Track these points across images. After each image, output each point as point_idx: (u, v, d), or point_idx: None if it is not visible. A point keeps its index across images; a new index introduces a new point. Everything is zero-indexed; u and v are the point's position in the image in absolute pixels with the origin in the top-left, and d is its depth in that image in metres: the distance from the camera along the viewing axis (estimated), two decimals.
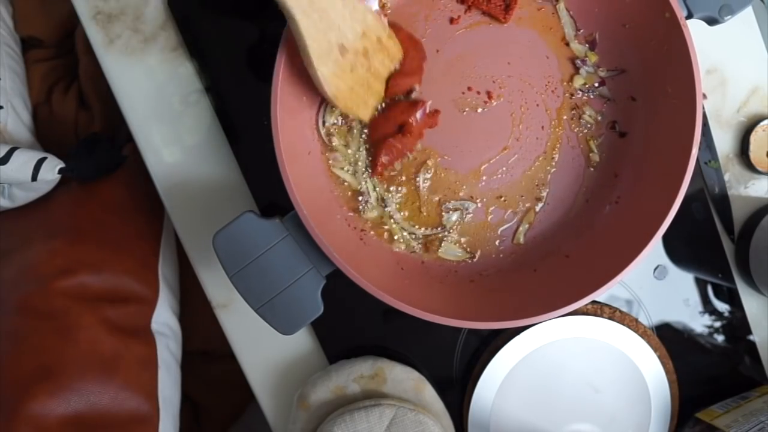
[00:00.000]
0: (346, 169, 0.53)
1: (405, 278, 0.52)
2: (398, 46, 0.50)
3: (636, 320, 0.60)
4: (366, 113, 0.50)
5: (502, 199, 0.55)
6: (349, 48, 0.45)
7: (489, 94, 0.54)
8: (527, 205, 0.55)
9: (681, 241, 0.60)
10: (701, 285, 0.62)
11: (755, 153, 0.60)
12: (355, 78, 0.47)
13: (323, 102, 0.52)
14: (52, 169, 0.60)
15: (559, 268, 0.54)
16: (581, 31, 0.54)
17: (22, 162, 0.59)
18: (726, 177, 0.61)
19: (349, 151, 0.53)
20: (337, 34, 0.44)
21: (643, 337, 0.58)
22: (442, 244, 0.54)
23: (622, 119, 0.55)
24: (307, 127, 0.52)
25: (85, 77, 0.77)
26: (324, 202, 0.52)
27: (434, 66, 0.53)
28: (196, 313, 0.72)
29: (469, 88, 0.54)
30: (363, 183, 0.53)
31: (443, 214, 0.54)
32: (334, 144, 0.53)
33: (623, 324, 0.58)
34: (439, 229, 0.54)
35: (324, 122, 0.52)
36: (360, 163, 0.53)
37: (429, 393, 0.57)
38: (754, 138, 0.60)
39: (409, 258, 0.54)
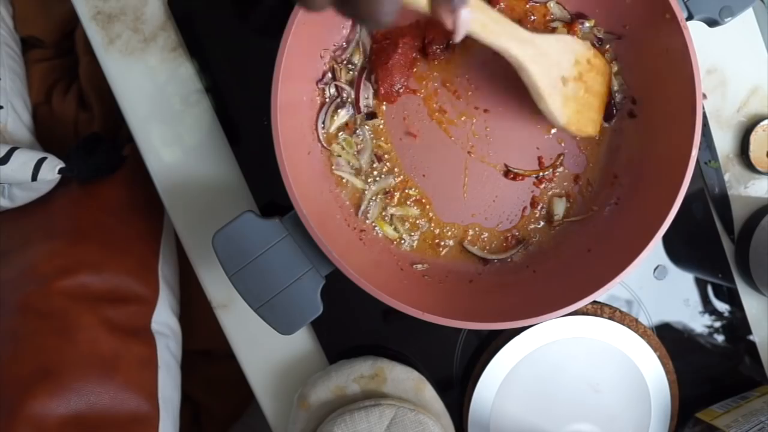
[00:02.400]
0: (348, 171, 0.54)
1: (404, 278, 0.52)
2: (603, 60, 0.53)
3: (636, 320, 0.60)
4: (594, 129, 0.53)
5: (500, 198, 0.55)
6: (568, 77, 0.50)
7: (486, 111, 0.54)
8: (527, 205, 0.55)
9: (681, 241, 0.60)
10: (701, 285, 0.62)
11: (755, 153, 0.60)
12: (578, 101, 0.51)
13: (323, 106, 0.52)
14: (52, 169, 0.60)
15: (559, 268, 0.54)
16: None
17: (22, 162, 0.59)
18: (726, 177, 0.61)
19: (352, 155, 0.53)
20: (557, 69, 0.49)
21: (643, 337, 0.58)
22: (441, 245, 0.55)
23: (622, 120, 0.55)
24: (307, 127, 0.52)
25: (85, 77, 0.77)
26: (324, 202, 0.52)
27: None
28: (196, 313, 0.72)
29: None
30: (367, 185, 0.54)
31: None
32: (333, 148, 0.53)
33: (623, 324, 0.58)
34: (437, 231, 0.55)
35: (323, 127, 0.53)
36: (363, 165, 0.54)
37: (429, 393, 0.57)
38: (754, 138, 0.60)
39: (408, 258, 0.54)
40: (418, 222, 0.54)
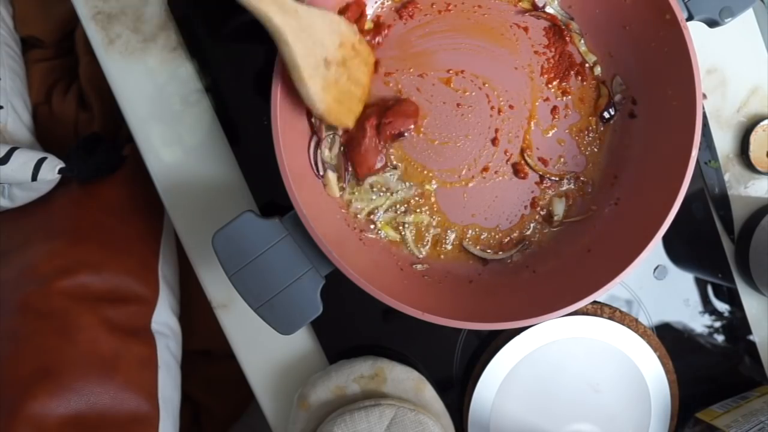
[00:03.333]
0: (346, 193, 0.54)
1: (404, 278, 0.52)
2: (368, 49, 0.51)
3: (636, 320, 0.60)
4: (351, 120, 0.51)
5: (500, 199, 0.55)
6: (331, 60, 0.46)
7: (499, 110, 0.54)
8: (528, 205, 0.55)
9: (681, 241, 0.60)
10: (701, 285, 0.62)
11: (755, 153, 0.60)
12: (339, 89, 0.47)
13: (313, 136, 0.52)
14: (52, 169, 0.60)
15: (559, 268, 0.54)
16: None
17: (22, 162, 0.59)
18: (726, 177, 0.61)
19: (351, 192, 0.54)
20: (321, 50, 0.45)
21: (643, 337, 0.58)
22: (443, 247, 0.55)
23: (622, 120, 0.55)
24: (307, 126, 0.52)
25: (85, 77, 0.77)
26: (324, 202, 0.52)
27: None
28: (196, 313, 0.72)
29: (459, 105, 0.54)
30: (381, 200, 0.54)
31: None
32: (329, 177, 0.53)
33: (623, 324, 0.58)
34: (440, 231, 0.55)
35: (321, 158, 0.53)
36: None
37: (429, 393, 0.57)
38: (754, 138, 0.60)
39: (408, 258, 0.54)
40: (426, 228, 0.55)
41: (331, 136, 0.52)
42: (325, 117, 0.48)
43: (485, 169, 0.54)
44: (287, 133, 0.47)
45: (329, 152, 0.52)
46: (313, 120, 0.52)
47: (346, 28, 0.48)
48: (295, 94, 0.49)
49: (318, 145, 0.52)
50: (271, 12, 0.40)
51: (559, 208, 0.55)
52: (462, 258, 0.55)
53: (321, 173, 0.52)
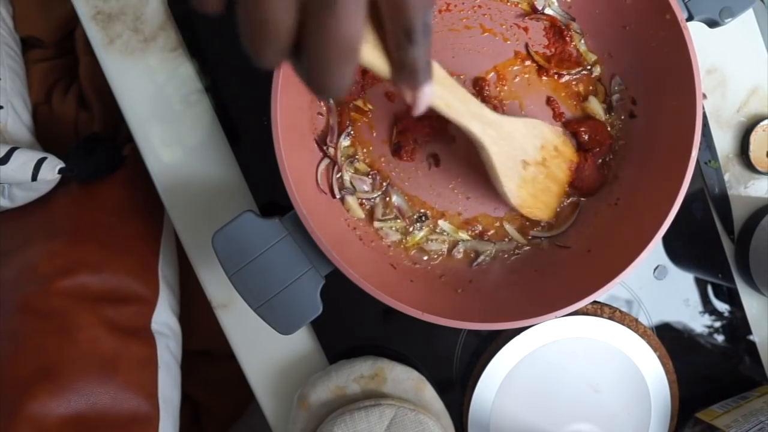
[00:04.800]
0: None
1: (404, 278, 0.52)
2: (572, 149, 0.54)
3: (636, 320, 0.60)
4: (547, 214, 0.54)
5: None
6: (530, 161, 0.50)
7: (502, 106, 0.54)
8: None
9: (681, 241, 0.60)
10: (701, 285, 0.62)
11: (755, 153, 0.60)
12: (535, 186, 0.52)
13: (323, 160, 0.53)
14: (52, 169, 0.60)
15: (559, 268, 0.54)
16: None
17: (22, 162, 0.59)
18: (726, 177, 0.61)
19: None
20: (520, 152, 0.49)
21: (643, 337, 0.58)
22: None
23: (622, 120, 0.55)
24: (307, 127, 0.52)
25: (85, 77, 0.77)
26: (323, 201, 0.52)
27: None
28: (196, 313, 0.72)
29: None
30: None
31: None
32: (349, 202, 0.54)
33: (623, 324, 0.58)
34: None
35: (337, 182, 0.53)
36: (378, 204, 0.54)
37: (429, 393, 0.57)
38: (754, 138, 0.60)
39: (408, 258, 0.54)
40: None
41: (350, 161, 0.53)
42: (520, 209, 0.52)
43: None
44: (287, 133, 0.47)
45: (348, 177, 0.53)
46: (326, 147, 0.53)
47: (549, 131, 0.51)
48: (296, 94, 0.49)
49: (332, 169, 0.53)
50: (471, 125, 0.45)
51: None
52: (462, 258, 0.55)
53: (337, 197, 0.53)
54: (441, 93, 0.42)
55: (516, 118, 0.49)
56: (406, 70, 0.30)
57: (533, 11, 0.54)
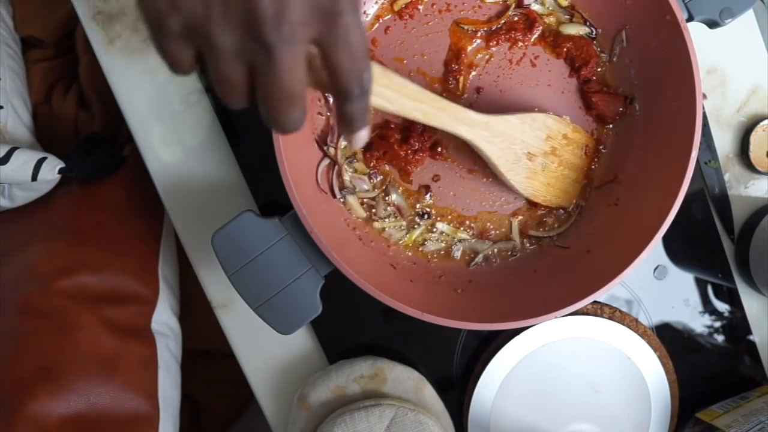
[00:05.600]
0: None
1: (404, 278, 0.52)
2: (584, 135, 0.54)
3: (636, 320, 0.60)
4: (566, 200, 0.55)
5: (502, 199, 0.55)
6: (536, 153, 0.51)
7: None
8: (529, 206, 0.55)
9: (681, 241, 0.60)
10: (701, 285, 0.62)
11: (755, 153, 0.60)
12: (547, 174, 0.53)
13: (323, 160, 0.53)
14: (52, 169, 0.60)
15: (559, 268, 0.54)
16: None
17: (22, 162, 0.59)
18: (726, 177, 0.61)
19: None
20: (521, 146, 0.51)
21: (643, 337, 0.58)
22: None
23: (622, 120, 0.55)
24: (307, 126, 0.52)
25: (85, 77, 0.77)
26: (323, 201, 0.52)
27: None
28: (196, 313, 0.72)
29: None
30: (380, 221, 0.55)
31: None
32: (350, 202, 0.54)
33: (623, 324, 0.58)
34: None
35: (336, 182, 0.53)
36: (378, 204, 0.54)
37: (429, 393, 0.57)
38: (754, 138, 0.60)
39: (406, 258, 0.54)
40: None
41: (350, 161, 0.53)
42: (535, 199, 0.53)
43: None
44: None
45: (348, 177, 0.54)
46: (327, 147, 0.53)
47: (553, 122, 0.52)
48: None
49: (332, 169, 0.53)
50: (458, 129, 0.47)
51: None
52: (462, 258, 0.55)
53: (338, 197, 0.53)
54: (416, 105, 0.43)
55: (510, 115, 0.50)
56: (345, 120, 0.35)
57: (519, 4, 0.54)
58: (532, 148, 0.51)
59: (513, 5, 0.54)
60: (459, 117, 0.47)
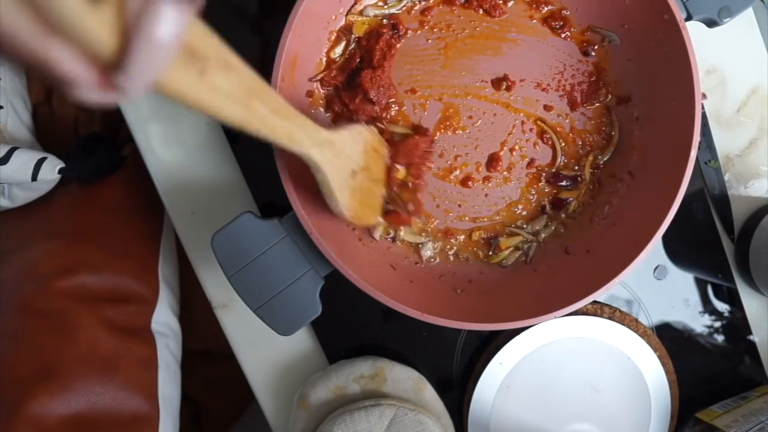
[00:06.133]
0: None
1: (404, 279, 0.52)
2: (384, 144, 0.51)
3: (636, 320, 0.60)
4: (373, 218, 0.51)
5: (504, 200, 0.55)
6: (357, 169, 0.47)
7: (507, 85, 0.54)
8: (528, 206, 0.55)
9: (681, 241, 0.60)
10: (701, 285, 0.61)
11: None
12: (363, 192, 0.48)
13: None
14: (52, 169, 0.60)
15: (559, 268, 0.54)
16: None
17: (22, 162, 0.59)
18: (726, 177, 0.61)
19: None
20: (349, 164, 0.45)
21: (643, 337, 0.58)
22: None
23: (621, 120, 0.55)
24: None
25: None
26: (323, 202, 0.52)
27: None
28: (196, 313, 0.72)
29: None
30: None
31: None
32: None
33: (623, 324, 0.58)
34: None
35: None
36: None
37: (429, 393, 0.57)
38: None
39: (406, 258, 0.54)
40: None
41: None
42: (353, 222, 0.48)
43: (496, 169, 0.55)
44: None
45: None
46: None
47: (368, 133, 0.48)
48: (295, 94, 0.49)
49: None
50: (312, 153, 0.40)
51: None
52: (462, 259, 0.55)
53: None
54: (283, 125, 0.37)
55: (340, 130, 0.44)
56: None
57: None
58: (355, 165, 0.46)
59: None
60: (315, 138, 0.40)
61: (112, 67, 0.22)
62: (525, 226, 0.55)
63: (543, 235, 0.55)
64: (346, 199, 0.45)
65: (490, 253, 0.55)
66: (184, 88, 0.28)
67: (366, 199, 0.48)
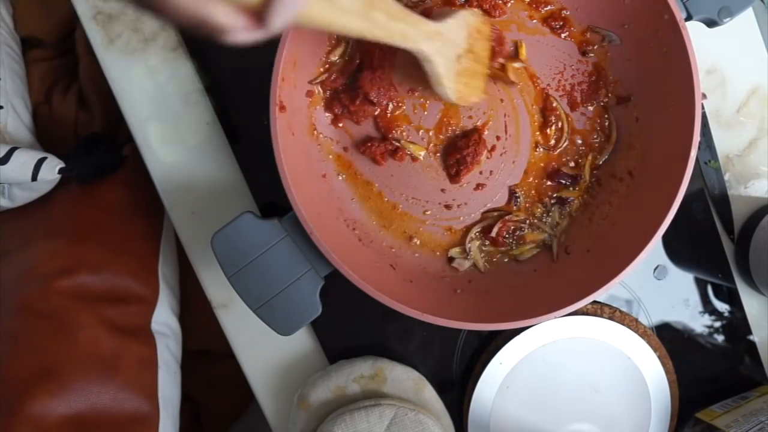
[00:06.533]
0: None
1: (404, 279, 0.52)
2: (488, 25, 0.52)
3: (636, 320, 0.60)
4: (479, 96, 0.53)
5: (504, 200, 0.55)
6: (462, 53, 0.49)
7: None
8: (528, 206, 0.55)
9: (681, 241, 0.60)
10: (701, 285, 0.61)
11: None
12: (467, 74, 0.50)
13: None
14: (52, 169, 0.60)
15: (559, 268, 0.54)
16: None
17: (22, 162, 0.59)
18: (726, 177, 0.61)
19: None
20: (454, 50, 0.48)
21: (643, 337, 0.58)
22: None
23: (621, 120, 0.55)
24: (306, 126, 0.52)
25: (85, 77, 0.77)
26: (322, 202, 0.52)
27: None
28: (196, 313, 0.72)
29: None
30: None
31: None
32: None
33: (623, 324, 0.58)
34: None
35: None
36: None
37: (429, 393, 0.57)
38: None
39: (406, 259, 0.54)
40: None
41: None
42: (459, 102, 0.50)
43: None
44: (287, 133, 0.47)
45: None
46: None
47: (471, 16, 0.49)
48: (295, 94, 0.49)
49: None
50: (422, 46, 0.43)
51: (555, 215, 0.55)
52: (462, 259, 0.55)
53: None
54: (396, 26, 0.40)
55: (448, 18, 0.47)
56: None
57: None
58: (460, 49, 0.48)
59: None
60: (425, 30, 0.43)
61: (259, 9, 0.27)
62: (544, 218, 0.55)
63: (560, 228, 0.55)
64: (452, 83, 0.48)
65: (513, 245, 0.55)
66: (317, 14, 0.33)
67: (470, 80, 0.51)
